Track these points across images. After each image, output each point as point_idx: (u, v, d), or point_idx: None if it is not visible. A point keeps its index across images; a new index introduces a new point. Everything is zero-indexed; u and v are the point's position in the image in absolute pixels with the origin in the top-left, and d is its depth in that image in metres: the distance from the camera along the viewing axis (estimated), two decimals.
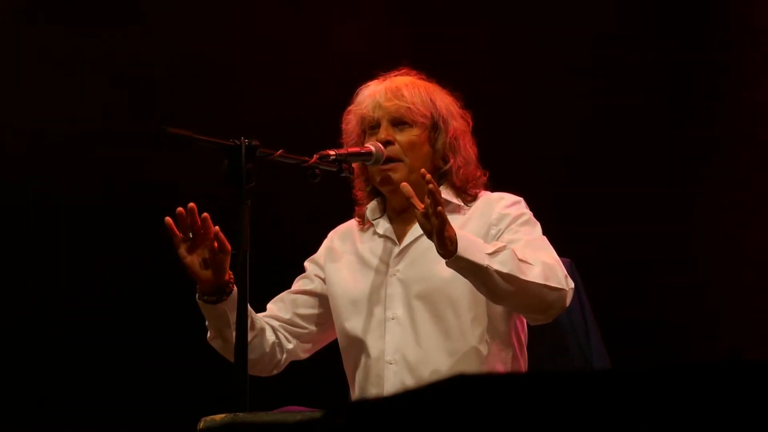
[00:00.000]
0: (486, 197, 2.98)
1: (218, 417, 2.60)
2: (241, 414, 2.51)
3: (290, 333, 3.04)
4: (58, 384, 4.20)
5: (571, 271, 3.13)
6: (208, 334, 2.94)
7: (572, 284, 2.77)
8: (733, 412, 1.07)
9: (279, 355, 3.01)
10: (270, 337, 2.99)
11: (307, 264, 3.12)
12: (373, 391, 2.89)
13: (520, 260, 2.69)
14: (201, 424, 2.64)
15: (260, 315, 3.02)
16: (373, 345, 2.90)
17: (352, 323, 2.95)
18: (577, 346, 3.09)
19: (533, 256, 2.74)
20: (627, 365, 1.07)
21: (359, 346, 2.94)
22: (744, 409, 1.07)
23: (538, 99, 4.30)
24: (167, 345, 4.20)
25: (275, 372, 3.04)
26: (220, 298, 2.83)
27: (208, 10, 4.34)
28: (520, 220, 2.89)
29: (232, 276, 2.83)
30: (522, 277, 2.67)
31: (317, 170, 2.74)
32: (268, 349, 2.98)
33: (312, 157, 2.74)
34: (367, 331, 2.92)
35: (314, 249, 3.14)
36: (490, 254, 2.66)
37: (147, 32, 4.29)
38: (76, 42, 4.26)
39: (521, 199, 2.97)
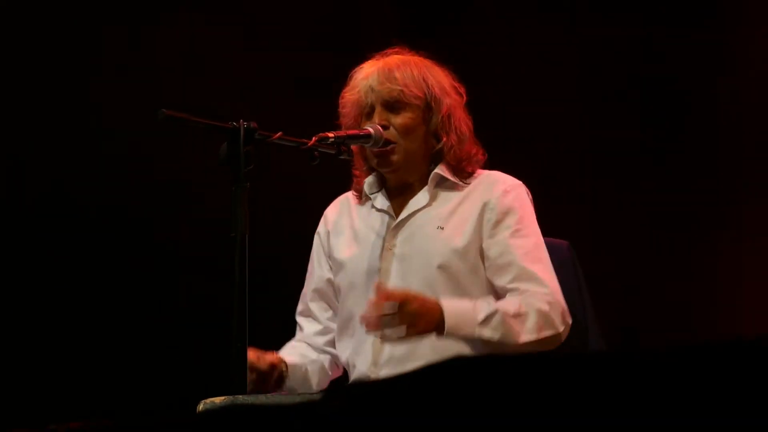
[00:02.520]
0: (485, 176, 2.96)
1: (218, 399, 2.61)
2: (241, 396, 2.51)
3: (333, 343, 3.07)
4: (59, 367, 4.20)
5: (569, 253, 3.13)
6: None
7: (569, 319, 2.80)
8: (731, 392, 1.07)
9: (337, 368, 3.07)
10: (329, 369, 3.05)
11: (313, 252, 3.11)
12: (362, 367, 2.89)
13: (513, 316, 2.72)
14: (200, 407, 2.65)
15: (306, 341, 3.06)
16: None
17: (350, 301, 2.95)
18: (575, 329, 3.08)
19: (523, 276, 2.79)
20: (624, 348, 1.08)
21: (354, 321, 2.93)
22: (741, 389, 1.07)
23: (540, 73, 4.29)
24: (167, 328, 4.21)
25: None
26: (281, 384, 2.88)
27: None
28: (516, 215, 2.88)
29: (277, 365, 2.88)
30: (513, 341, 2.71)
31: (316, 152, 2.73)
32: (331, 374, 3.05)
33: (311, 139, 2.73)
34: (362, 307, 2.90)
35: (312, 232, 3.13)
36: (480, 323, 2.71)
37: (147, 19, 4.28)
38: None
39: (520, 183, 2.95)
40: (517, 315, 2.73)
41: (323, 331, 3.05)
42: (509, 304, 2.76)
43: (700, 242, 4.19)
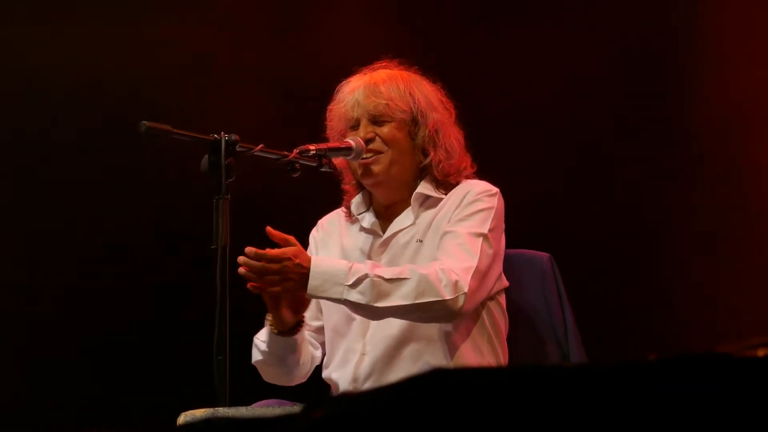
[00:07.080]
0: (465, 183, 2.96)
1: (198, 412, 2.61)
2: (221, 409, 2.51)
3: (316, 340, 3.05)
4: (40, 379, 4.18)
5: (551, 267, 3.13)
6: (259, 358, 2.94)
7: (463, 289, 2.74)
8: (711, 405, 1.07)
9: (311, 366, 3.03)
10: (312, 351, 3.02)
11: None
12: (343, 383, 2.90)
13: (389, 280, 2.71)
14: (181, 419, 2.64)
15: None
16: (353, 338, 2.91)
17: (335, 318, 2.95)
18: (556, 342, 3.09)
19: (443, 254, 2.79)
20: (604, 361, 1.08)
21: (341, 339, 2.94)
22: (721, 402, 1.07)
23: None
24: (147, 340, 4.19)
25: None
26: (294, 331, 2.86)
27: (190, 6, 4.32)
28: (470, 209, 2.87)
29: (304, 314, 2.89)
30: (383, 304, 2.71)
31: (297, 165, 2.74)
32: (310, 364, 3.01)
33: (292, 151, 2.74)
34: (348, 325, 2.91)
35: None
36: (349, 286, 2.71)
37: (131, 29, 4.27)
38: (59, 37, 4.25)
39: (495, 191, 2.93)
40: (395, 280, 2.73)
41: (314, 329, 3.05)
42: (392, 270, 2.76)
43: (680, 254, 4.20)
